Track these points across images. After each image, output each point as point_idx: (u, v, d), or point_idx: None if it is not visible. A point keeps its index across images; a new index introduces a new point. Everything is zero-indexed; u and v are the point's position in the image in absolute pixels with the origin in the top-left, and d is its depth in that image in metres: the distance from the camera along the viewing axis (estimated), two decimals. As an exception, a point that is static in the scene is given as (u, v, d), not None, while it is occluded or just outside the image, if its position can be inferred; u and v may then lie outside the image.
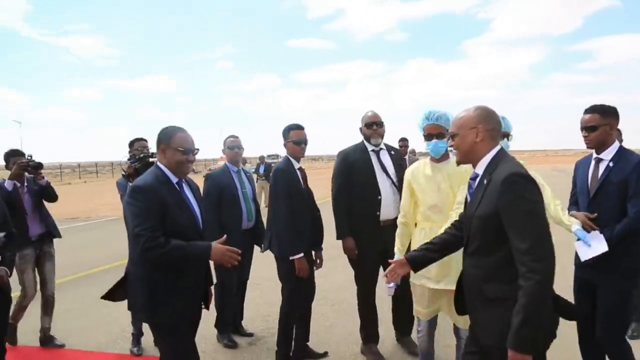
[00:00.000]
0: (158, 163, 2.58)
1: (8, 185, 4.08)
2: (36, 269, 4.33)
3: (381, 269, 3.60)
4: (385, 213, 3.69)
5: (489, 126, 2.01)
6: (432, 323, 3.10)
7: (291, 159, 3.65)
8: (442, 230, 2.58)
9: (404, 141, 8.42)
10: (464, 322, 2.73)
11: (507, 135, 3.12)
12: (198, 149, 2.63)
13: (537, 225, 1.77)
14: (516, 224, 1.78)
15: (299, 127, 3.66)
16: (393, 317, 4.12)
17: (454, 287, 2.70)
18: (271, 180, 3.69)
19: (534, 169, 2.57)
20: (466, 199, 2.14)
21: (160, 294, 2.45)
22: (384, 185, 3.71)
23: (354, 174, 3.75)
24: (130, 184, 4.16)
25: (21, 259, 4.14)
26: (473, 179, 2.05)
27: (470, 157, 2.06)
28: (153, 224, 2.35)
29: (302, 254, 3.47)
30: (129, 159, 4.10)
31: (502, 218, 1.81)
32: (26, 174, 4.25)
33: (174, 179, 2.55)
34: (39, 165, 4.23)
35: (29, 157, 4.26)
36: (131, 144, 4.41)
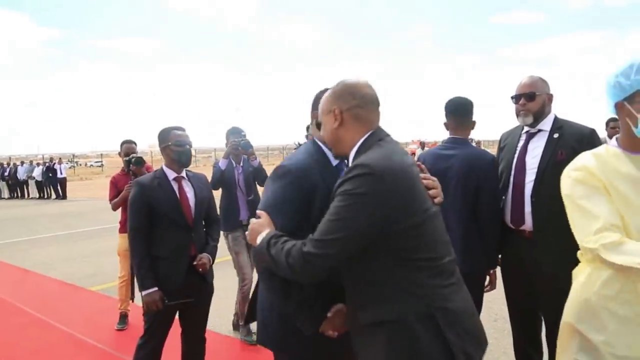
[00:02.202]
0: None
1: (222, 164, 4.12)
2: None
3: None
4: (517, 220, 2.61)
5: (346, 105, 1.64)
6: None
7: None
8: None
9: (615, 121, 6.66)
10: None
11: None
12: None
13: (340, 228, 1.46)
14: (326, 217, 1.50)
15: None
16: None
17: None
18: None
19: None
20: None
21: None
22: (518, 181, 2.61)
23: (501, 159, 2.83)
24: None
25: (234, 240, 4.09)
26: None
27: (340, 149, 1.70)
28: None
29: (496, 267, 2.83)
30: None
31: None
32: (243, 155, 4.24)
33: None
34: (248, 145, 4.17)
35: (243, 135, 4.22)
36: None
